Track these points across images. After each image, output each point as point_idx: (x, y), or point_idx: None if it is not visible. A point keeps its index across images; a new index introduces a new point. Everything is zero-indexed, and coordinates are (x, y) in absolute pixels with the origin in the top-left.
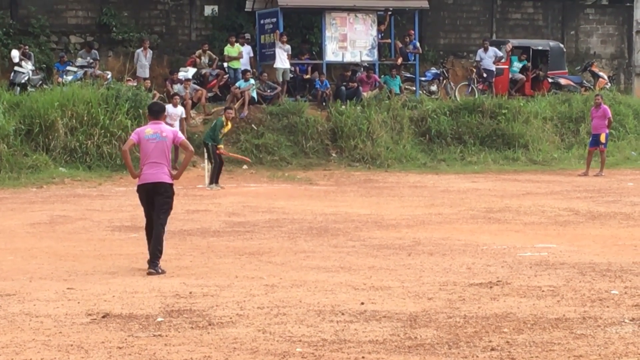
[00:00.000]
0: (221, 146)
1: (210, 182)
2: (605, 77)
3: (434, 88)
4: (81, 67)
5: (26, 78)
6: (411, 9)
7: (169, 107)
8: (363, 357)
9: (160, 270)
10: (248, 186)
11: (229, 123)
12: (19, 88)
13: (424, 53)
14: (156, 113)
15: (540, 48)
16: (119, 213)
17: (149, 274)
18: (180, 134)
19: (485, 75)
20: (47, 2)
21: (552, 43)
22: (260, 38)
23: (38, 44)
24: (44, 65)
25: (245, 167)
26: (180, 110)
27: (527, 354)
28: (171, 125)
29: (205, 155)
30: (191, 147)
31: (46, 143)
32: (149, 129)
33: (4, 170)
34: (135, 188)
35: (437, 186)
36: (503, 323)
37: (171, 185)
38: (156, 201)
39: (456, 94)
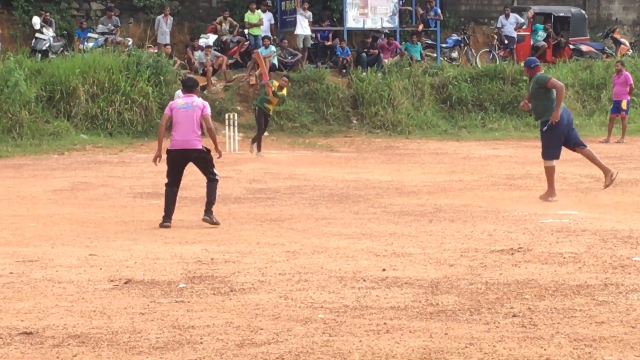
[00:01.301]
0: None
1: (258, 150)
2: (627, 43)
3: (455, 55)
4: (102, 33)
5: (47, 45)
6: None
7: None
8: (385, 323)
9: (215, 220)
10: (269, 153)
11: (284, 89)
12: (40, 55)
13: (445, 20)
14: (190, 87)
15: (561, 14)
16: (140, 180)
17: (204, 220)
18: (208, 108)
19: (506, 41)
20: None
21: (573, 9)
22: (281, 5)
23: (59, 10)
24: (65, 32)
25: (266, 133)
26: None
27: (549, 320)
28: None
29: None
30: (212, 125)
31: (67, 110)
32: (180, 100)
33: (26, 137)
34: (158, 161)
35: (458, 153)
36: (524, 289)
37: (203, 149)
38: (197, 165)
39: (477, 60)
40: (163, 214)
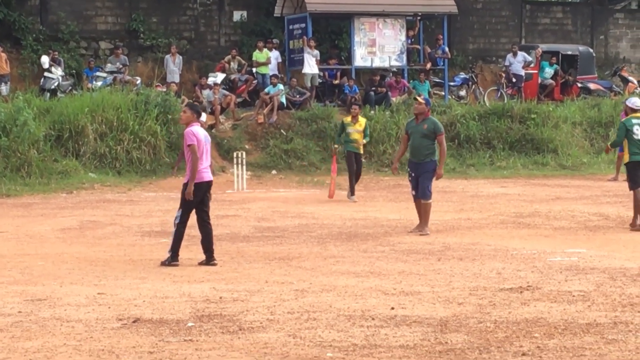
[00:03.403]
0: (336, 146)
1: (352, 193)
2: (635, 81)
3: (462, 93)
4: (110, 72)
5: (56, 84)
6: (440, 14)
7: None
8: None
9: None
10: (277, 191)
11: (359, 118)
12: (48, 94)
13: (452, 58)
14: (199, 113)
15: (569, 53)
16: (148, 218)
17: (212, 264)
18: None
19: (514, 80)
20: (77, 8)
21: (581, 48)
22: (289, 43)
23: (68, 49)
24: (74, 71)
25: (274, 172)
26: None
27: (558, 359)
28: None
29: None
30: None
31: (76, 148)
32: (201, 130)
33: (34, 175)
34: (193, 187)
35: (466, 191)
36: (534, 328)
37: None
38: (206, 199)
39: (485, 98)
40: (172, 252)
